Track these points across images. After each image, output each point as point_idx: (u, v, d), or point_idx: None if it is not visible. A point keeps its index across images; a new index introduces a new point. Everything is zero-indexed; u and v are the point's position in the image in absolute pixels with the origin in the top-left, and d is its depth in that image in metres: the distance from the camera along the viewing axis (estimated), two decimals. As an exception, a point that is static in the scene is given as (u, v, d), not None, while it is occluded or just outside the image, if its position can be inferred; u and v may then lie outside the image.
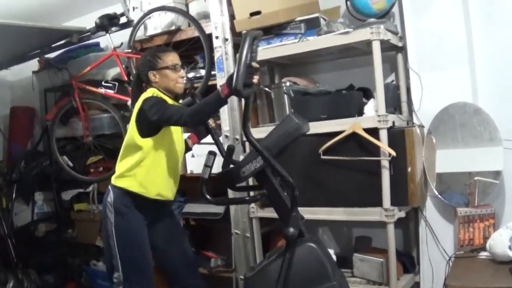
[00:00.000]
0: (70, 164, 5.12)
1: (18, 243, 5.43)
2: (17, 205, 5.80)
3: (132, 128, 3.20)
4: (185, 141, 3.50)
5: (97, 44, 5.26)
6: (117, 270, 3.24)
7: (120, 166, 3.27)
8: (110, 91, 4.60)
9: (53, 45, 5.31)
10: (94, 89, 4.73)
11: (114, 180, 3.29)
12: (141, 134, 3.15)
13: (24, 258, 5.38)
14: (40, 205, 5.83)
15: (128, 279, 3.22)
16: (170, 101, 3.20)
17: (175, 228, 3.55)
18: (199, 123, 3.05)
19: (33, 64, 5.61)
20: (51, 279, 5.46)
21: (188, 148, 3.55)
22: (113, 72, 4.80)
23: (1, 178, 5.80)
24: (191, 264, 3.53)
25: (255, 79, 2.67)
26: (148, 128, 3.10)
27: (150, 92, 3.17)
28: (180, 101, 3.44)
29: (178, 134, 3.33)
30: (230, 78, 2.60)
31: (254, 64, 2.62)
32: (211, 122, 3.43)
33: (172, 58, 3.26)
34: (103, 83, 4.68)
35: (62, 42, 5.23)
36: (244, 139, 3.83)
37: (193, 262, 3.61)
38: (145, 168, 3.18)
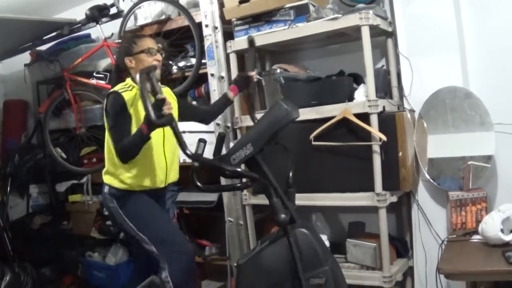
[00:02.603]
0: (64, 156, 5.12)
1: (14, 236, 5.43)
2: (12, 198, 5.79)
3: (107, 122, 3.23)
4: (225, 94, 3.57)
5: (88, 36, 5.25)
6: (151, 249, 3.22)
7: (106, 161, 3.31)
8: (102, 82, 4.60)
9: (44, 38, 5.33)
10: (86, 80, 4.73)
11: (103, 176, 3.34)
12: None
13: (20, 252, 5.37)
14: (35, 197, 5.82)
15: (165, 251, 3.19)
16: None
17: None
18: (127, 160, 3.05)
19: (25, 57, 5.61)
20: (48, 271, 5.46)
21: (229, 101, 3.58)
22: (104, 63, 4.80)
23: (-5, 172, 5.80)
24: None
25: (166, 109, 2.79)
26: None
27: (122, 84, 3.20)
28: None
29: None
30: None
31: (159, 96, 2.77)
32: (254, 74, 3.52)
33: (147, 42, 3.27)
34: (94, 74, 4.67)
35: (53, 34, 5.25)
36: (236, 126, 3.85)
37: None
38: (123, 167, 3.19)
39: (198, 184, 2.82)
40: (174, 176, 3.43)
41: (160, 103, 2.77)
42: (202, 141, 2.83)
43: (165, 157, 3.31)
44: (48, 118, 5.05)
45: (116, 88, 3.16)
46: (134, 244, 3.45)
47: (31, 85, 5.82)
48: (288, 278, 2.73)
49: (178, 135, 2.73)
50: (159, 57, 3.27)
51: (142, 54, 3.21)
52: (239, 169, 2.79)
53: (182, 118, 3.52)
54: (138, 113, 3.13)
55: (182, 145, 2.70)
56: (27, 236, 5.58)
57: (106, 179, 3.30)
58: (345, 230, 4.00)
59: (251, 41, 3.67)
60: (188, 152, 2.69)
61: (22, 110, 6.18)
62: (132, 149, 2.99)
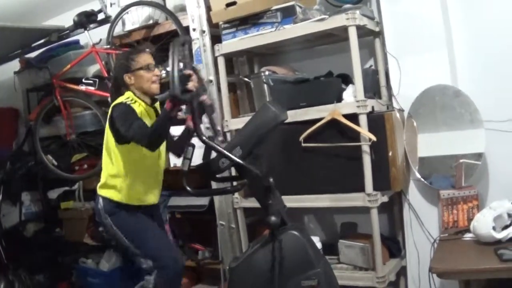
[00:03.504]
0: (55, 162, 5.10)
1: (8, 244, 5.42)
2: (5, 206, 5.76)
3: (107, 133, 3.22)
4: (186, 126, 3.41)
5: (77, 42, 5.23)
6: (143, 260, 3.25)
7: (103, 173, 3.31)
8: (91, 88, 4.58)
9: (33, 45, 5.33)
10: (75, 86, 4.71)
11: (98, 190, 3.34)
12: (117, 140, 3.17)
13: (14, 259, 5.36)
14: (27, 205, 5.80)
15: (156, 266, 3.23)
16: (142, 107, 3.18)
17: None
18: (158, 144, 3.00)
19: (15, 65, 5.59)
20: (42, 279, 5.44)
21: (191, 131, 3.43)
22: (93, 69, 4.80)
23: (-13, 180, 5.78)
24: None
25: (191, 85, 2.79)
26: (122, 136, 3.08)
27: (124, 97, 3.17)
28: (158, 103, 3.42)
29: None
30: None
31: (186, 72, 2.78)
32: (206, 99, 3.37)
33: (145, 58, 3.25)
34: (83, 80, 4.66)
35: (42, 41, 5.24)
36: (225, 129, 3.84)
37: None
38: (124, 178, 3.22)
39: (189, 188, 2.82)
40: (159, 192, 3.47)
41: (185, 78, 2.76)
42: (190, 146, 2.83)
43: (159, 171, 3.37)
44: (38, 125, 5.03)
45: (120, 100, 3.14)
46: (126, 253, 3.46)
47: (21, 92, 5.79)
48: (280, 280, 2.72)
49: (196, 116, 2.77)
50: (157, 72, 3.27)
51: (141, 71, 3.21)
52: (244, 163, 2.76)
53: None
54: None
55: (199, 133, 2.82)
56: (20, 243, 5.55)
57: (103, 192, 3.30)
58: (337, 231, 4.01)
59: None
60: (204, 138, 2.80)
61: (13, 118, 6.14)
62: (159, 132, 2.92)
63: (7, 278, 5.16)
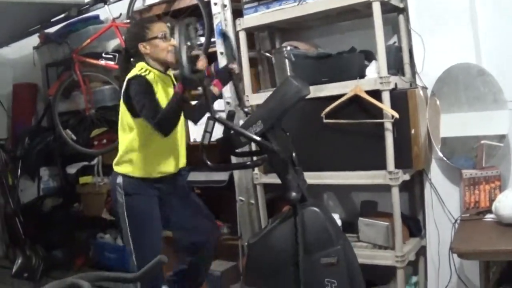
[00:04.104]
0: (74, 137, 5.13)
1: (25, 219, 5.47)
2: (23, 181, 5.83)
3: (122, 107, 3.19)
4: (210, 90, 3.38)
5: (97, 17, 5.23)
6: (129, 250, 3.28)
7: (119, 149, 3.28)
8: (111, 63, 4.59)
9: (52, 20, 5.32)
10: (94, 61, 4.73)
11: (115, 166, 3.31)
12: (131, 114, 3.14)
13: (31, 235, 5.41)
14: (45, 180, 5.86)
15: (138, 257, 3.24)
16: (156, 76, 3.15)
17: (189, 200, 3.56)
18: (169, 129, 2.98)
19: (34, 41, 5.59)
20: (59, 254, 5.49)
21: (215, 97, 3.47)
22: (113, 43, 4.81)
23: (6, 155, 5.81)
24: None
25: (200, 64, 2.80)
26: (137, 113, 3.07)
27: (137, 69, 3.14)
28: (171, 71, 3.39)
29: None
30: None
31: (194, 52, 2.78)
32: (235, 67, 3.41)
33: (159, 26, 3.20)
34: (103, 55, 4.66)
35: (62, 16, 5.24)
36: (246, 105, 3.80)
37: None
38: (139, 151, 3.18)
39: (208, 162, 2.81)
40: (183, 161, 3.42)
41: (194, 59, 2.75)
42: (211, 119, 2.80)
43: (177, 142, 3.31)
44: (57, 101, 5.05)
45: (134, 73, 3.11)
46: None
47: (41, 68, 5.82)
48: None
49: (207, 95, 2.77)
50: (173, 41, 3.19)
51: (156, 39, 3.15)
52: (259, 139, 2.74)
53: None
54: (159, 95, 3.11)
55: (210, 109, 2.78)
56: (38, 219, 5.61)
57: (120, 168, 3.27)
58: (357, 209, 3.97)
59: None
60: (217, 116, 2.76)
61: (32, 93, 6.19)
62: (172, 115, 2.92)
63: (24, 253, 5.21)
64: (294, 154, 2.95)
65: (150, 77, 3.09)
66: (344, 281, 2.72)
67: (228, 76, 3.40)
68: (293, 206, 2.72)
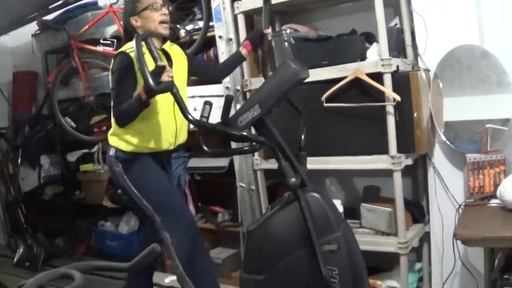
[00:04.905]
0: (73, 125, 5.12)
1: (26, 208, 5.48)
2: (24, 170, 5.84)
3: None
4: (238, 51, 3.45)
5: (95, 3, 5.21)
6: (152, 216, 3.10)
7: (113, 122, 3.20)
8: (109, 49, 4.57)
9: (50, 7, 5.29)
10: (93, 47, 4.71)
11: (109, 137, 3.26)
12: None
13: (33, 223, 5.42)
14: (46, 168, 5.87)
15: (166, 219, 3.08)
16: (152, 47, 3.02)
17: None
18: (124, 124, 3.02)
19: (32, 28, 5.57)
20: (61, 242, 5.53)
21: (242, 57, 3.45)
22: (111, 29, 4.76)
23: (6, 144, 5.80)
24: None
25: (166, 76, 2.74)
26: None
27: (128, 44, 3.09)
28: (169, 44, 3.32)
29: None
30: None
31: (159, 63, 2.73)
32: (269, 32, 3.36)
33: None
34: (101, 41, 4.63)
35: (59, 3, 5.21)
36: (245, 89, 3.80)
37: None
38: (130, 127, 3.10)
39: (205, 148, 2.75)
40: (183, 138, 3.36)
41: (159, 70, 2.71)
42: (207, 104, 2.75)
43: (175, 119, 3.23)
44: (56, 88, 5.05)
45: (124, 48, 3.08)
46: (136, 209, 3.39)
47: (40, 55, 5.79)
48: (299, 243, 2.66)
49: (179, 101, 2.72)
50: (164, 11, 3.13)
51: (146, 10, 3.08)
52: (244, 133, 2.70)
53: (197, 73, 3.53)
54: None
55: (183, 110, 2.71)
56: (39, 207, 5.63)
57: (113, 140, 3.20)
58: (360, 194, 3.92)
59: None
60: (190, 117, 2.69)
61: (32, 81, 6.19)
62: (129, 114, 2.95)
63: (26, 242, 5.22)
64: (302, 137, 2.93)
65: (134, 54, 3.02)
66: (345, 269, 2.66)
67: (259, 40, 3.38)
68: (294, 192, 2.66)
